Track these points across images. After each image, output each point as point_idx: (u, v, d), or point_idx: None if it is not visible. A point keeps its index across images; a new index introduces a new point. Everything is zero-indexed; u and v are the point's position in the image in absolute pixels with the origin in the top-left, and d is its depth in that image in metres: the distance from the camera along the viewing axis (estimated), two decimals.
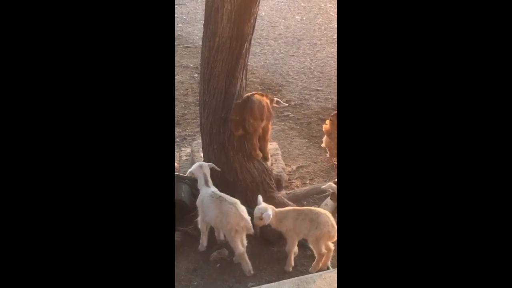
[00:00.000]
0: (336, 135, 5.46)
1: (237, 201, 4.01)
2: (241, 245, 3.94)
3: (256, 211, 3.93)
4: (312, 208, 4.21)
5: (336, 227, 3.93)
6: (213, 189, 4.09)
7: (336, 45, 8.97)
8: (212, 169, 4.23)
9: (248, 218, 3.93)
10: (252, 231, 3.95)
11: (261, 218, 3.87)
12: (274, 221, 3.98)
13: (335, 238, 3.94)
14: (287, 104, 5.46)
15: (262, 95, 4.43)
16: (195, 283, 3.73)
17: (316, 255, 4.03)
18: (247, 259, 3.96)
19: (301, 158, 5.79)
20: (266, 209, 3.91)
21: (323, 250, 3.95)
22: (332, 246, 4.00)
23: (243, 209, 3.97)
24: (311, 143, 6.09)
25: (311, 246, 4.07)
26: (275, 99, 4.64)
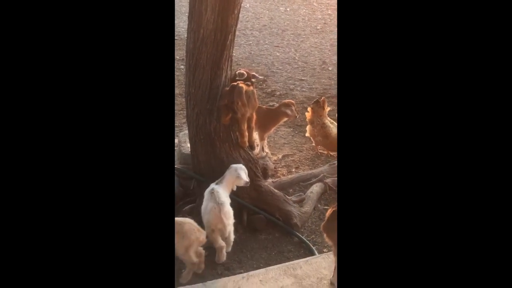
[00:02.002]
0: (318, 123, 5.47)
1: (226, 202, 3.93)
2: (220, 239, 3.89)
3: None
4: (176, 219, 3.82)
5: (202, 230, 3.78)
6: (215, 185, 4.01)
7: (319, 35, 8.99)
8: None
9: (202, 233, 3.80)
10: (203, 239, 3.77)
11: None
12: None
13: (205, 240, 3.77)
14: (263, 77, 5.54)
15: (248, 85, 4.41)
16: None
17: (187, 265, 3.78)
18: (224, 252, 3.93)
19: (287, 147, 5.79)
20: None
21: (194, 259, 3.72)
22: (202, 251, 3.78)
23: (226, 212, 3.88)
24: (296, 132, 6.10)
25: (181, 258, 3.75)
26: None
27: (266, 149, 5.32)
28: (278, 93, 7.02)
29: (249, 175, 4.43)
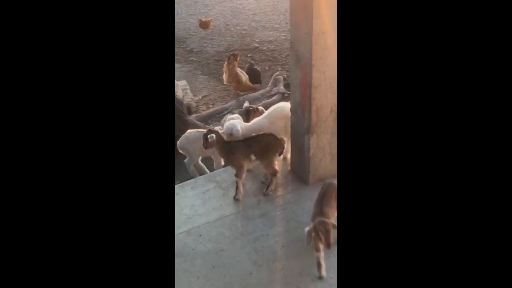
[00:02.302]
0: (232, 72, 5.46)
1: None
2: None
3: (226, 128, 3.43)
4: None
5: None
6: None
7: (222, 4, 8.78)
8: None
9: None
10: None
11: (231, 134, 3.35)
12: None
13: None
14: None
15: None
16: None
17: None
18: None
19: (205, 89, 5.76)
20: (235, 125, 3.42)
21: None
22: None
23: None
24: (210, 78, 6.06)
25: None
26: None
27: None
28: (195, 50, 6.89)
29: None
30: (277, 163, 3.35)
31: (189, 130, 3.77)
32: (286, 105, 3.53)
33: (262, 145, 3.18)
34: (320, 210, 2.73)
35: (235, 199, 3.25)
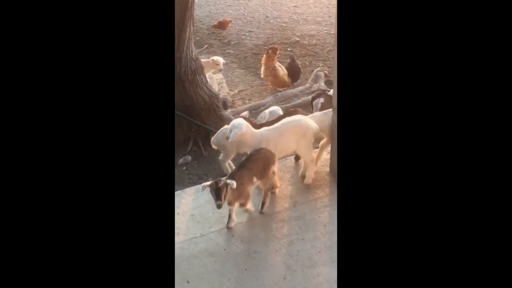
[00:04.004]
0: (270, 66, 5.43)
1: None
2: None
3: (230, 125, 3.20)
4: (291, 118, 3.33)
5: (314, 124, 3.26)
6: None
7: None
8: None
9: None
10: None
11: (230, 131, 3.13)
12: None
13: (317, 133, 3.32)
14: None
15: None
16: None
17: (309, 164, 3.35)
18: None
19: (241, 84, 5.76)
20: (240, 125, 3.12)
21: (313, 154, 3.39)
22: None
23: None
24: (248, 72, 6.05)
25: (304, 158, 3.37)
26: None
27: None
28: (232, 42, 6.91)
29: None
30: (276, 178, 3.23)
31: (225, 126, 3.78)
32: (302, 120, 3.29)
33: (261, 165, 3.02)
34: (231, 173, 2.97)
35: (228, 228, 3.01)
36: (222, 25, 7.11)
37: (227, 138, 3.14)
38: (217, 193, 2.78)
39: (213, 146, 3.74)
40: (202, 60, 4.64)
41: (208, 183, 2.82)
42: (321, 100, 3.80)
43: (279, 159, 3.28)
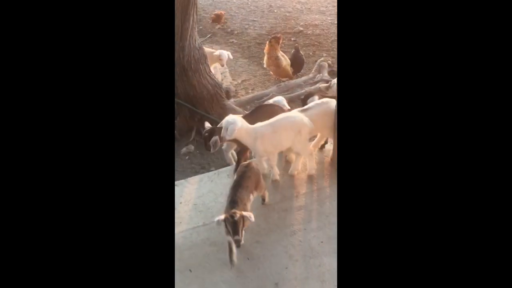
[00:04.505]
0: (273, 55, 5.43)
1: None
2: None
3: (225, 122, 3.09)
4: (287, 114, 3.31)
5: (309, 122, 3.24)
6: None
7: None
8: None
9: None
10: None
11: (226, 130, 3.05)
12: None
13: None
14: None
15: None
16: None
17: (308, 158, 3.41)
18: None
19: (244, 73, 5.77)
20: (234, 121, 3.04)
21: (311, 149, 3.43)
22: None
23: None
24: (251, 61, 6.05)
25: (302, 153, 3.38)
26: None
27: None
28: (236, 32, 6.90)
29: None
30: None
31: (229, 115, 3.79)
32: (297, 117, 3.24)
33: (254, 180, 2.91)
34: (232, 197, 2.74)
35: (232, 264, 2.69)
36: (218, 19, 7.09)
37: (224, 137, 3.06)
38: (234, 227, 2.53)
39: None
40: (206, 50, 4.64)
41: (222, 217, 2.57)
42: (316, 98, 3.62)
43: (273, 154, 3.26)
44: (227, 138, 3.06)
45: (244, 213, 2.60)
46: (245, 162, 3.02)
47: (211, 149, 3.06)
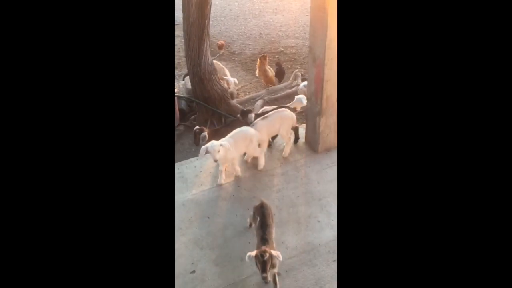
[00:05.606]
0: (262, 68, 5.36)
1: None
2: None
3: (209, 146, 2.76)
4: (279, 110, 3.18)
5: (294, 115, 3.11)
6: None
7: (257, 18, 8.59)
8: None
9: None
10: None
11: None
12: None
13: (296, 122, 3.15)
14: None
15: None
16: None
17: (286, 143, 3.25)
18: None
19: (243, 81, 5.72)
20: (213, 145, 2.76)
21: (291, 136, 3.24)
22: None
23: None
24: (247, 73, 5.99)
25: (283, 137, 3.21)
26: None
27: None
28: (236, 52, 6.82)
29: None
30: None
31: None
32: (286, 111, 3.17)
33: (271, 214, 2.38)
34: (262, 235, 2.20)
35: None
36: (220, 47, 6.99)
37: (215, 160, 2.78)
38: (263, 266, 2.05)
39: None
40: (216, 64, 4.58)
41: (253, 253, 2.09)
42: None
43: (235, 158, 3.03)
44: (217, 159, 2.79)
45: (273, 252, 2.08)
46: (259, 203, 2.44)
47: (200, 143, 2.95)
